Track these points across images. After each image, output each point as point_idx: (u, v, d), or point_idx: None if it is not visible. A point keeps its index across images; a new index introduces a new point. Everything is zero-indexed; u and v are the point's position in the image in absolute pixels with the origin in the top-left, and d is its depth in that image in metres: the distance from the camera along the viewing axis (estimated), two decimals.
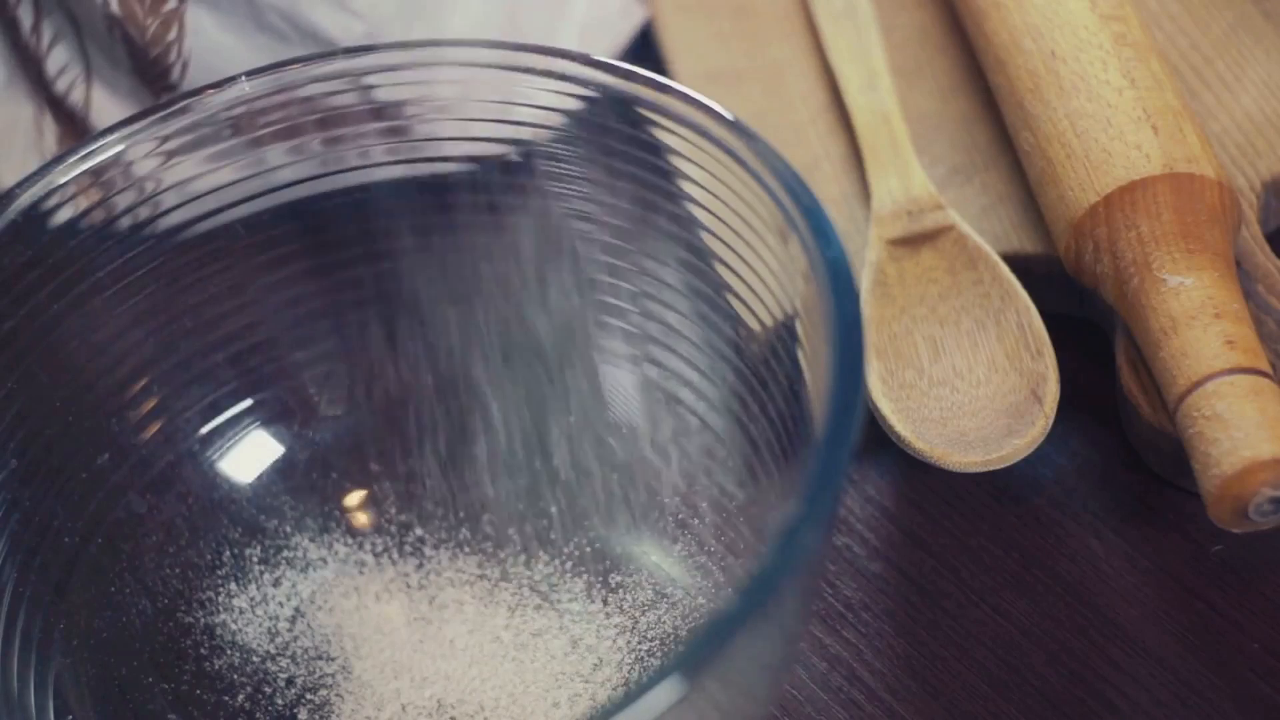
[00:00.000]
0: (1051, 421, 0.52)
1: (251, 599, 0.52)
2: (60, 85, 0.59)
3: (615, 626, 0.50)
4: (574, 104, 0.50)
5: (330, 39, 0.58)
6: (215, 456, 0.53)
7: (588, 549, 0.52)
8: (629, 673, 0.49)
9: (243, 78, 0.51)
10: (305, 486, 0.53)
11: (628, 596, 0.51)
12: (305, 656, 0.51)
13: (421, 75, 0.51)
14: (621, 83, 0.49)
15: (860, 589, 0.52)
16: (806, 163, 0.59)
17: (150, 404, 0.52)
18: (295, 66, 0.51)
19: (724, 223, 0.48)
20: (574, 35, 0.62)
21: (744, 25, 0.64)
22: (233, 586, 0.52)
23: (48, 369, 0.50)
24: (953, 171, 0.59)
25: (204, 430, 0.53)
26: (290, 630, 0.51)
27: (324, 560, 0.53)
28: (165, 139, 0.51)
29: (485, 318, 0.53)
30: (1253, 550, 0.52)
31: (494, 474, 0.53)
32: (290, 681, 0.51)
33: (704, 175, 0.48)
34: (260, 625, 0.52)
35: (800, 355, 0.46)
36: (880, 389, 0.53)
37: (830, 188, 0.59)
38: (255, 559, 0.52)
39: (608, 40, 0.63)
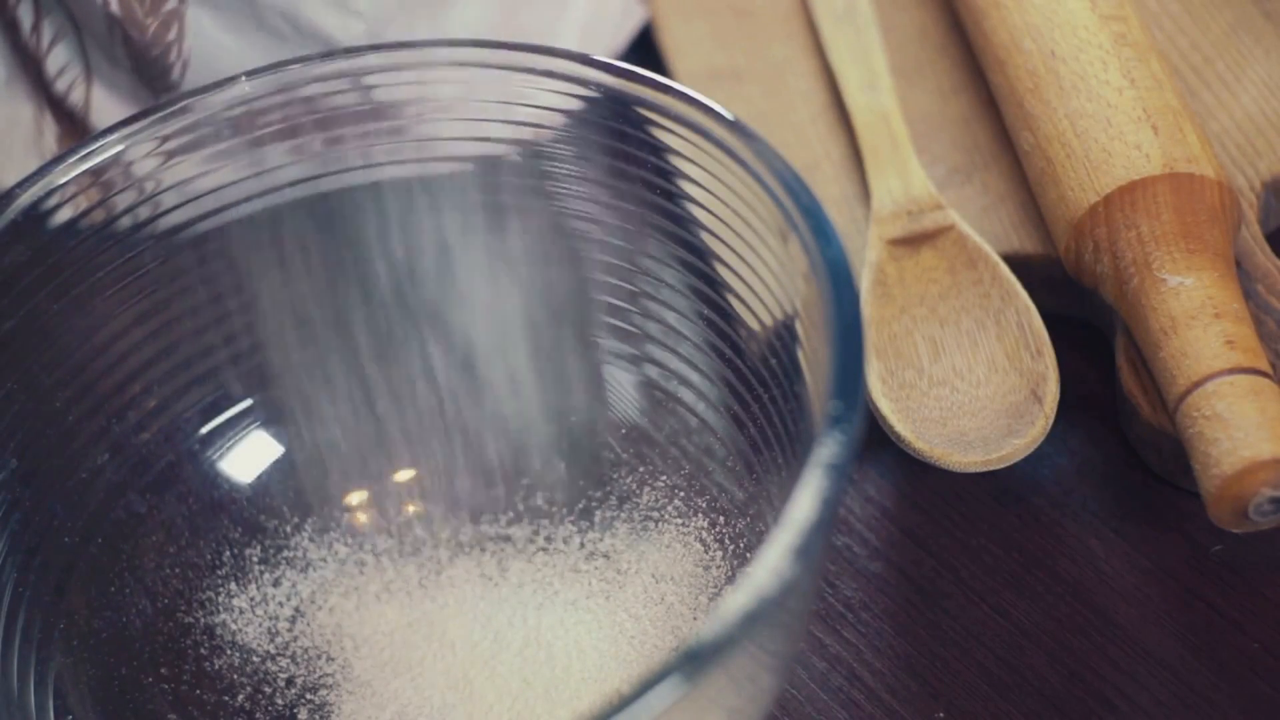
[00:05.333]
0: (1051, 421, 0.52)
1: (251, 599, 0.52)
2: (60, 85, 0.59)
3: (616, 626, 0.50)
4: (574, 104, 0.50)
5: (330, 39, 0.58)
6: (215, 456, 0.53)
7: (589, 549, 0.52)
8: (630, 672, 0.49)
9: (243, 78, 0.51)
10: (305, 486, 0.53)
11: (628, 596, 0.51)
12: (305, 656, 0.51)
13: (421, 75, 0.51)
14: (621, 83, 0.49)
15: (860, 589, 0.52)
16: (806, 163, 0.59)
17: (150, 404, 0.52)
18: (295, 66, 0.51)
19: (724, 223, 0.48)
20: (574, 35, 0.62)
21: (744, 25, 0.64)
22: (233, 586, 0.52)
23: (48, 369, 0.50)
24: (953, 171, 0.59)
25: (204, 430, 0.53)
26: (290, 630, 0.51)
27: (324, 560, 0.53)
28: (165, 139, 0.51)
29: (485, 317, 0.53)
30: (1253, 550, 0.52)
31: (494, 474, 0.53)
32: (290, 681, 0.51)
33: (704, 175, 0.48)
34: (260, 625, 0.52)
35: (800, 355, 0.46)
36: (880, 389, 0.53)
37: (830, 188, 0.59)
38: (255, 559, 0.52)
39: (608, 40, 0.63)
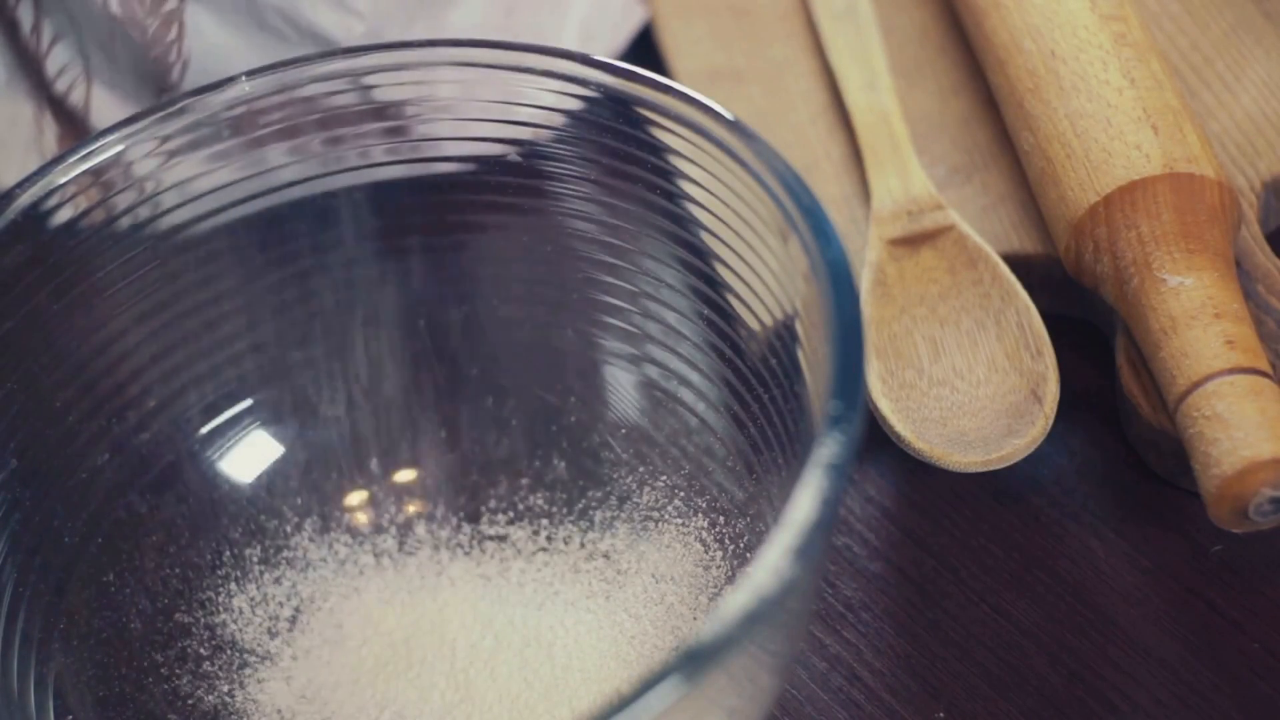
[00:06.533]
0: (1051, 421, 0.52)
1: (251, 599, 0.52)
2: (60, 85, 0.59)
3: (616, 626, 0.50)
4: (574, 104, 0.50)
5: (330, 39, 0.58)
6: (215, 456, 0.53)
7: (589, 549, 0.52)
8: (630, 672, 0.49)
9: (243, 78, 0.51)
10: (305, 486, 0.53)
11: (628, 596, 0.51)
12: (305, 656, 0.51)
13: (421, 75, 0.51)
14: (621, 83, 0.49)
15: (860, 589, 0.52)
16: (806, 163, 0.59)
17: (150, 404, 0.52)
18: (295, 66, 0.51)
19: (724, 223, 0.48)
20: (574, 35, 0.62)
21: (744, 25, 0.64)
22: (233, 586, 0.52)
23: (48, 369, 0.50)
24: (953, 171, 0.59)
25: (204, 430, 0.53)
26: (290, 630, 0.51)
27: (324, 560, 0.53)
28: (165, 139, 0.51)
29: (485, 317, 0.53)
30: (1253, 550, 0.52)
31: (495, 475, 0.53)
32: (290, 681, 0.51)
33: (704, 175, 0.48)
34: (260, 625, 0.52)
35: (800, 355, 0.46)
36: (880, 389, 0.53)
37: (830, 188, 0.59)
38: (255, 559, 0.52)
39: (608, 40, 0.63)
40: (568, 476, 0.53)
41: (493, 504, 0.53)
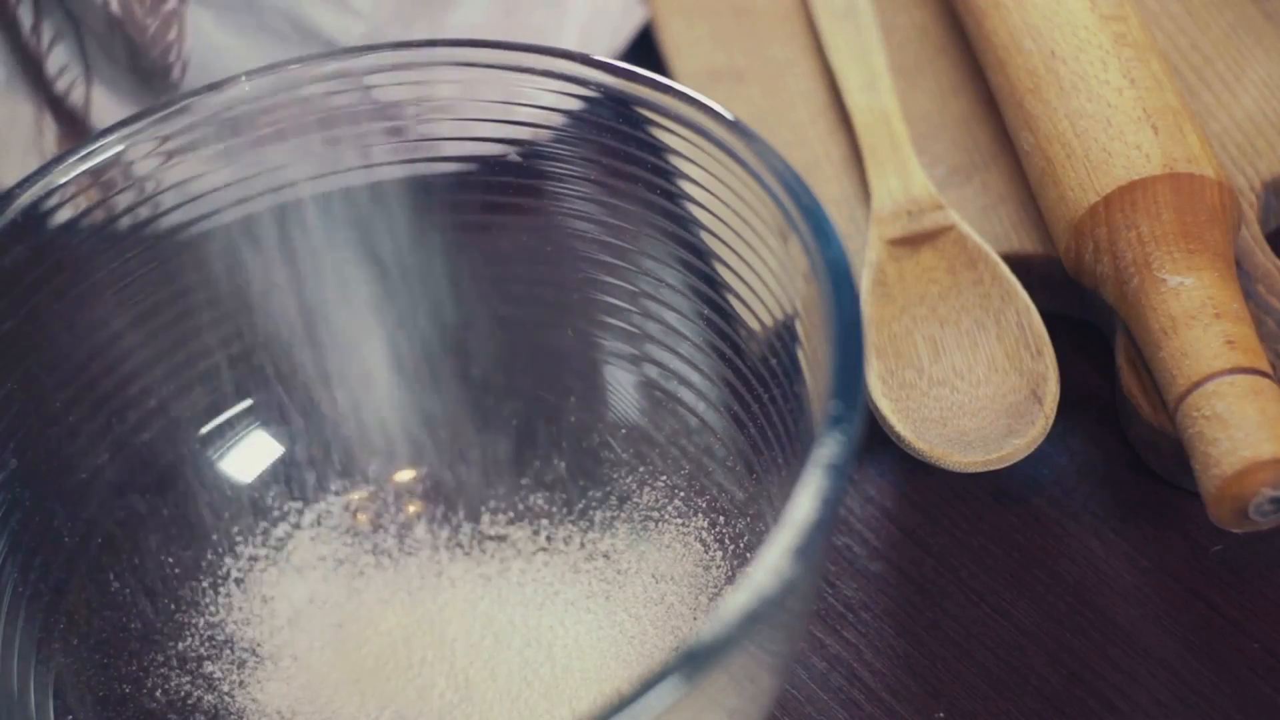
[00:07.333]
0: (1051, 421, 0.52)
1: (252, 599, 0.52)
2: (60, 85, 0.59)
3: (616, 626, 0.50)
4: (574, 104, 0.50)
5: (330, 39, 0.58)
6: (215, 456, 0.53)
7: (589, 549, 0.52)
8: (630, 672, 0.49)
9: (243, 78, 0.51)
10: (305, 486, 0.53)
11: (628, 596, 0.51)
12: (305, 656, 0.51)
13: (421, 75, 0.51)
14: (621, 83, 0.49)
15: (860, 589, 0.52)
16: (806, 163, 0.59)
17: (150, 404, 0.52)
18: (295, 66, 0.51)
19: (724, 223, 0.48)
20: (574, 35, 0.62)
21: (744, 25, 0.64)
22: (233, 586, 0.52)
23: (48, 369, 0.50)
24: (953, 171, 0.59)
25: (204, 430, 0.53)
26: (290, 630, 0.51)
27: (324, 560, 0.53)
28: (165, 139, 0.51)
29: (485, 317, 0.53)
30: (1253, 550, 0.52)
31: (495, 475, 0.53)
32: (290, 681, 0.51)
33: (704, 175, 0.48)
34: (260, 625, 0.52)
35: (800, 355, 0.46)
36: (880, 389, 0.53)
37: (830, 188, 0.59)
38: (255, 559, 0.52)
39: (608, 40, 0.63)
40: (568, 476, 0.53)
41: (493, 504, 0.53)
